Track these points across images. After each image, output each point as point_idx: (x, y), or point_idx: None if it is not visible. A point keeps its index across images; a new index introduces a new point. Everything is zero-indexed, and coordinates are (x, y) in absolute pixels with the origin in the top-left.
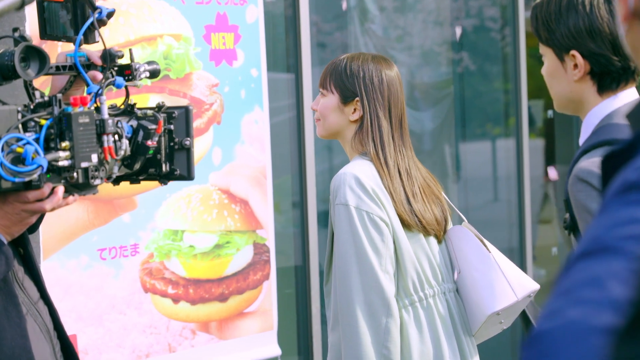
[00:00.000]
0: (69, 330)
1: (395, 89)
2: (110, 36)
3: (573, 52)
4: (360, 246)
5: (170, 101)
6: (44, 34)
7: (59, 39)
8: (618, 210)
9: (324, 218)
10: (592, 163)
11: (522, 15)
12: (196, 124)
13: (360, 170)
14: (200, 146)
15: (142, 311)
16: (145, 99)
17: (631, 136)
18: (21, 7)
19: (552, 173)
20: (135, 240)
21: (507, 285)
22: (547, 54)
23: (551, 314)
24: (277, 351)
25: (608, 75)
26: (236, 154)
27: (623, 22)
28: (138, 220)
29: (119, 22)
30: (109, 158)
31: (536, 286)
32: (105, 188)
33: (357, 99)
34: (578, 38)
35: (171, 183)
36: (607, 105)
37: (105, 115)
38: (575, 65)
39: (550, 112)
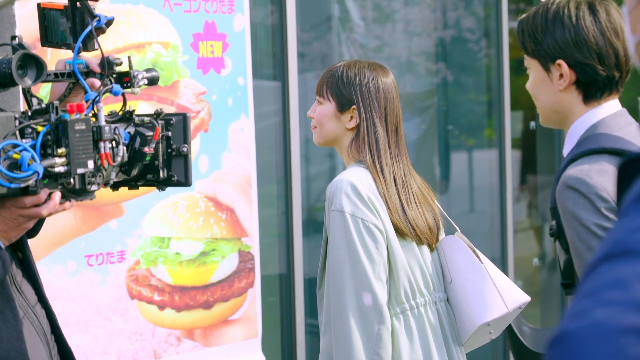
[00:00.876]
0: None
1: (392, 96)
2: None
3: (559, 61)
4: (354, 253)
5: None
6: (45, 41)
7: (59, 47)
8: (639, 215)
9: (308, 226)
10: (579, 171)
11: (506, 26)
12: None
13: (356, 178)
14: None
15: (127, 317)
16: (134, 106)
17: None
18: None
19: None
20: (122, 247)
21: (499, 297)
22: (533, 66)
23: (577, 314)
24: (261, 359)
25: (594, 84)
26: (223, 162)
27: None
28: (125, 227)
29: (108, 30)
30: (105, 164)
31: (527, 298)
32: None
33: (354, 106)
34: (564, 48)
35: (157, 190)
36: (592, 116)
37: (102, 122)
38: (561, 75)
39: (532, 124)
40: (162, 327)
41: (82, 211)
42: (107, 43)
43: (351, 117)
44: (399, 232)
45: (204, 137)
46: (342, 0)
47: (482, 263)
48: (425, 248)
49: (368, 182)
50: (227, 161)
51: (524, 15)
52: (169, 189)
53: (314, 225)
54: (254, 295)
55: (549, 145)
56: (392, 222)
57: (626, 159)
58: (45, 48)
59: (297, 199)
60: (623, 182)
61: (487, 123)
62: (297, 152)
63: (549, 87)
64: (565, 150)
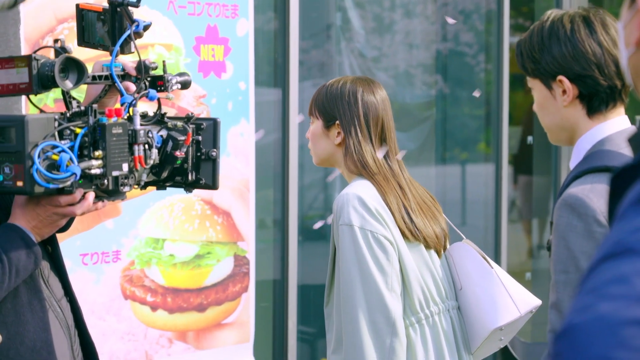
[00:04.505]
0: None
1: (375, 108)
2: None
3: (560, 77)
4: (364, 266)
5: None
6: (82, 41)
7: (95, 47)
8: (637, 217)
9: (303, 233)
10: (581, 190)
11: (507, 41)
12: None
13: (362, 191)
14: None
15: (121, 317)
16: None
17: (637, 158)
18: (14, 5)
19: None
20: (118, 247)
21: (510, 301)
22: (535, 86)
23: (582, 309)
24: None
25: (596, 96)
26: (221, 166)
27: (633, 45)
28: (121, 227)
29: None
30: (138, 167)
31: (538, 302)
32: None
33: (338, 122)
34: (563, 63)
35: (154, 192)
36: (599, 131)
37: (138, 126)
38: (564, 92)
39: (530, 139)
40: (154, 328)
41: None
42: None
43: (338, 133)
44: (406, 237)
45: None
46: (343, 9)
47: (492, 268)
48: (434, 253)
49: (374, 194)
50: (225, 165)
51: (521, 37)
52: (168, 189)
53: (309, 233)
54: (248, 299)
55: (545, 161)
56: (399, 229)
57: (616, 172)
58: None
59: (294, 206)
60: (614, 194)
61: (484, 137)
62: (295, 159)
63: (554, 104)
64: (572, 164)
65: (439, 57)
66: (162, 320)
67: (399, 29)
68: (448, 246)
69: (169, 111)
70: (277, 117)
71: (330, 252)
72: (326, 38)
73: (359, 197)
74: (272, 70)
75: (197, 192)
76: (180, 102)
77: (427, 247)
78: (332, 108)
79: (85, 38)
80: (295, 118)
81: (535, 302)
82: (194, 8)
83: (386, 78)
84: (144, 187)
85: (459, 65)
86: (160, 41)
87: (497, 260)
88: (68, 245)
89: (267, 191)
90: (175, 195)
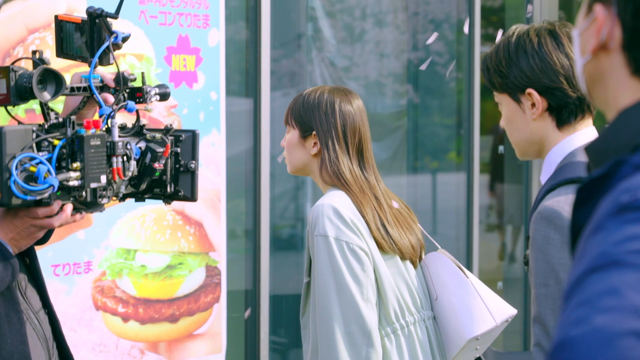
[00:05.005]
0: None
1: (352, 119)
2: None
3: (529, 90)
4: (339, 276)
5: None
6: (60, 52)
7: (73, 58)
8: (618, 228)
9: (275, 243)
10: (556, 202)
11: (478, 50)
12: None
13: (337, 202)
14: None
15: (92, 329)
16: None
17: (605, 166)
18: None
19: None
20: (89, 258)
21: (486, 310)
22: (504, 101)
23: (576, 322)
24: None
25: (565, 107)
26: None
27: (589, 53)
28: (92, 238)
29: None
30: (117, 178)
31: (514, 311)
32: None
33: (315, 132)
34: (531, 76)
35: (126, 202)
36: (569, 143)
37: (116, 138)
38: (533, 104)
39: (501, 148)
40: (126, 339)
41: None
42: None
43: (314, 143)
44: (382, 248)
45: None
46: (314, 18)
47: (467, 277)
48: (409, 264)
49: (349, 204)
50: None
51: (486, 53)
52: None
53: (280, 243)
54: (220, 310)
55: (517, 170)
56: (375, 240)
57: (584, 182)
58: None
59: (266, 216)
60: (579, 204)
61: (455, 146)
62: (266, 169)
63: (522, 118)
64: (543, 178)
65: (409, 67)
66: (134, 331)
67: (370, 38)
68: (424, 256)
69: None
70: (248, 126)
71: (306, 262)
72: (297, 47)
73: (334, 207)
74: (243, 79)
75: None
76: (152, 113)
77: (403, 258)
78: (309, 118)
79: (63, 49)
80: (266, 127)
81: (510, 311)
82: (165, 18)
83: (357, 87)
84: (122, 198)
85: (429, 75)
86: (132, 51)
87: (469, 269)
88: (40, 256)
89: (239, 201)
90: (147, 206)
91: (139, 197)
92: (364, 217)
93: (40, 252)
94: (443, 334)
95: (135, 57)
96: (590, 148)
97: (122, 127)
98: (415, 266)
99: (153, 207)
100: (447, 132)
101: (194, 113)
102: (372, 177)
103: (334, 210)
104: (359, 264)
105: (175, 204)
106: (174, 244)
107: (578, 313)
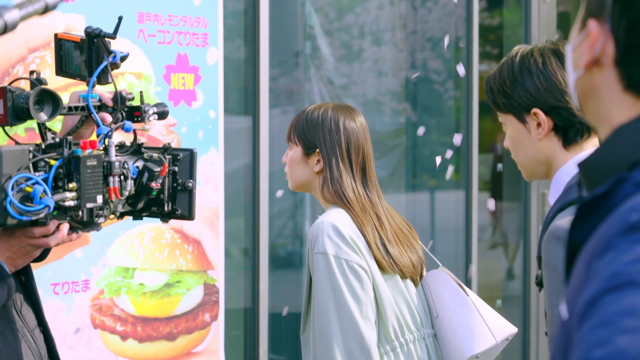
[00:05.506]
0: None
1: (356, 137)
2: None
3: (534, 110)
4: (339, 294)
5: (128, 139)
6: (60, 71)
7: (72, 77)
8: (630, 248)
9: (274, 260)
10: (568, 221)
11: (476, 68)
12: None
13: (338, 220)
14: None
15: (91, 347)
16: None
17: (606, 184)
18: (45, 11)
19: (491, 204)
20: (87, 276)
21: (486, 328)
22: (508, 121)
23: (598, 343)
24: None
25: (571, 127)
26: None
27: (582, 68)
28: (90, 256)
29: None
30: (113, 198)
31: (514, 329)
32: None
33: (318, 150)
34: (537, 96)
35: (125, 220)
36: (576, 162)
37: (113, 158)
38: (539, 125)
39: (499, 166)
40: (124, 357)
41: None
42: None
43: (318, 161)
44: (382, 268)
45: None
46: (313, 36)
47: (468, 295)
48: (409, 282)
49: (349, 222)
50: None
51: (489, 74)
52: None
53: (279, 261)
54: (218, 328)
55: (515, 187)
56: (375, 258)
57: (586, 200)
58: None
59: (265, 234)
60: (578, 221)
61: (454, 164)
62: (265, 186)
63: (528, 138)
64: (552, 199)
65: (407, 85)
66: (132, 349)
67: (368, 56)
68: (424, 274)
69: (139, 140)
70: (247, 144)
71: (306, 280)
72: (295, 65)
73: (334, 225)
74: (242, 98)
75: None
76: (151, 131)
77: (403, 276)
78: (313, 135)
79: (63, 67)
80: (265, 145)
81: (511, 329)
82: (164, 37)
83: (355, 105)
84: (120, 217)
85: (427, 93)
86: (131, 70)
87: (468, 286)
88: (39, 274)
89: (237, 219)
90: (145, 224)
91: (137, 215)
92: (364, 236)
93: (39, 270)
94: (443, 351)
95: (134, 76)
96: (584, 165)
97: (121, 146)
98: (415, 284)
99: (151, 225)
100: (445, 150)
101: (193, 131)
102: (374, 195)
103: (334, 228)
104: (359, 282)
105: (174, 222)
106: (172, 262)
107: (599, 334)
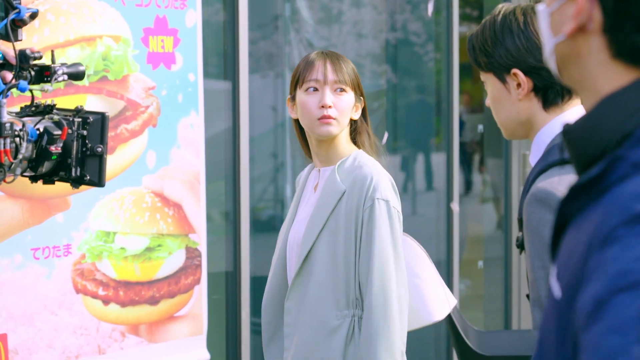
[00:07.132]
0: None
1: None
2: (50, 35)
3: (514, 70)
4: (396, 242)
5: (106, 103)
6: None
7: None
8: (637, 242)
9: (255, 225)
10: (549, 183)
11: (456, 29)
12: (131, 126)
13: (385, 172)
14: (135, 148)
15: (73, 312)
16: (83, 99)
17: (602, 164)
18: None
19: (455, 207)
20: (68, 241)
21: (444, 296)
22: (489, 80)
23: (614, 352)
24: (205, 355)
25: (551, 88)
26: (171, 158)
27: (564, 34)
28: (71, 221)
29: (60, 22)
30: (4, 160)
31: (455, 301)
32: (39, 187)
33: (361, 97)
34: (517, 56)
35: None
36: (557, 124)
37: (4, 119)
38: (519, 85)
39: (480, 127)
40: (106, 322)
41: (29, 204)
42: (58, 35)
43: (357, 107)
44: None
45: (152, 133)
46: None
47: (431, 262)
48: None
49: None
50: (175, 157)
51: (472, 32)
52: (118, 182)
53: (260, 225)
54: (200, 292)
55: (496, 148)
56: None
57: (577, 182)
58: None
59: (245, 198)
60: (569, 199)
61: (435, 126)
62: (245, 151)
63: (508, 98)
64: (532, 160)
65: (387, 47)
66: (115, 313)
67: (347, 19)
68: None
69: (118, 104)
70: (227, 108)
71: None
72: (275, 29)
73: (389, 177)
74: (221, 61)
75: (148, 184)
76: (130, 94)
77: None
78: (359, 84)
79: None
80: (245, 109)
81: (454, 301)
82: None
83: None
84: (33, 180)
85: (407, 55)
86: (108, 33)
87: (449, 249)
88: (19, 239)
89: (218, 183)
90: (125, 188)
91: (47, 179)
92: None
93: (20, 235)
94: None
95: (112, 39)
96: (570, 132)
97: (27, 107)
98: None
99: (132, 189)
100: (426, 112)
101: (173, 94)
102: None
103: (390, 179)
104: (400, 235)
105: (155, 185)
106: (152, 226)
107: (613, 341)
